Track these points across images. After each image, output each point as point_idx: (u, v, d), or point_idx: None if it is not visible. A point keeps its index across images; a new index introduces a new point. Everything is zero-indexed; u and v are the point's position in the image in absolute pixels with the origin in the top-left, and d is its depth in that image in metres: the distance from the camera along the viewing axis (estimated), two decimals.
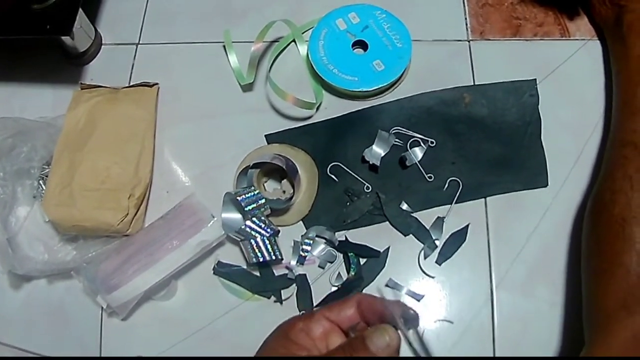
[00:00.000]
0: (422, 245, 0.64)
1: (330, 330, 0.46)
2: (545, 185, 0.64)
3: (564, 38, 0.70)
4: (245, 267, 0.66)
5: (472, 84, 0.68)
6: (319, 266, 0.65)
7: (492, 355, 0.62)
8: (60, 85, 0.77)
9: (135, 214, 0.67)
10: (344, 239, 0.65)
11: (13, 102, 0.77)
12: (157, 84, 0.72)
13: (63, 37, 0.74)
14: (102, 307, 0.70)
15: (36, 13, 0.70)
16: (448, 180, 0.64)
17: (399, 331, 0.44)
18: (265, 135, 0.68)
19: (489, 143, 0.64)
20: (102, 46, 0.79)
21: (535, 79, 0.67)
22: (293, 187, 0.64)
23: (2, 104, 0.78)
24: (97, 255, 0.69)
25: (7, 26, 0.71)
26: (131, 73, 0.76)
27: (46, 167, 0.72)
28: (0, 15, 0.71)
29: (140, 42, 0.78)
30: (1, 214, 0.72)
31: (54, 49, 0.78)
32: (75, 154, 0.69)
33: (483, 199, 0.65)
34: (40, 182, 0.73)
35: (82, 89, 0.74)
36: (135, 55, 0.77)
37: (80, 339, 0.72)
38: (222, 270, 0.66)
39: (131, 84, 0.74)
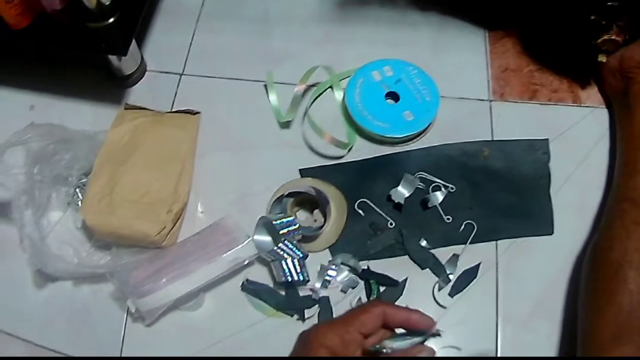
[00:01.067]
0: (437, 278, 0.70)
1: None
2: (551, 233, 0.71)
3: (575, 104, 0.79)
4: (272, 286, 0.71)
5: (491, 139, 0.75)
6: (341, 290, 0.70)
7: None
8: (101, 104, 0.81)
9: (172, 229, 0.72)
10: (366, 267, 0.70)
11: (52, 113, 0.81)
12: (199, 112, 0.77)
13: (111, 58, 0.78)
14: (127, 312, 0.74)
15: (91, 31, 0.75)
16: (464, 223, 0.71)
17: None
18: (300, 170, 0.74)
19: (502, 192, 0.71)
20: (146, 72, 0.83)
21: (547, 139, 0.74)
22: (324, 216, 0.70)
23: (41, 113, 0.81)
24: (130, 262, 0.72)
25: (62, 40, 0.75)
26: (173, 101, 0.81)
27: (84, 177, 0.76)
28: (57, 28, 0.75)
29: (184, 72, 0.83)
30: (35, 215, 0.75)
31: (98, 69, 0.83)
32: (117, 167, 0.73)
33: (495, 242, 0.71)
34: (77, 190, 0.77)
35: (126, 108, 0.78)
36: (178, 85, 0.82)
37: (101, 341, 0.74)
38: (250, 287, 0.71)
39: (174, 110, 0.79)
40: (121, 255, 0.73)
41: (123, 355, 0.74)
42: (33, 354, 0.76)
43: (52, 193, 0.77)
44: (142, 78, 0.83)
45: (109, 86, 0.82)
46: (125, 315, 0.74)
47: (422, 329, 0.55)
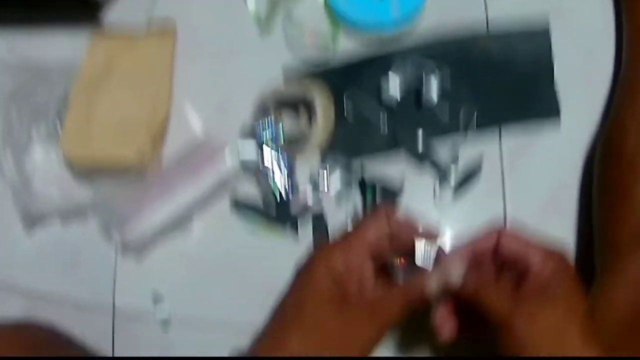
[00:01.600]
0: (437, 175, 0.65)
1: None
2: (558, 114, 0.65)
3: None
4: (261, 201, 0.67)
5: (487, 29, 0.68)
6: (335, 199, 0.66)
7: None
8: (78, 31, 0.77)
9: (153, 152, 0.68)
10: (360, 169, 0.65)
11: (29, 45, 0.78)
12: (174, 26, 0.73)
13: None
14: (116, 247, 0.71)
15: None
16: (462, 111, 0.65)
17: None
18: (283, 69, 0.68)
19: (502, 75, 0.65)
20: None
21: (548, 29, 0.66)
22: (310, 119, 0.65)
23: (18, 48, 0.78)
24: (113, 192, 0.69)
25: None
26: (150, 17, 0.76)
27: (63, 108, 0.72)
28: None
29: None
30: (17, 155, 0.72)
31: None
32: (93, 94, 0.70)
33: (497, 133, 0.65)
34: (57, 122, 0.73)
35: (98, 34, 0.75)
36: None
37: (94, 280, 0.72)
38: (239, 206, 0.67)
39: (149, 25, 0.75)
40: (104, 186, 0.70)
41: (116, 289, 0.71)
42: (30, 304, 0.74)
43: (33, 129, 0.74)
44: None
45: (84, 11, 0.78)
46: (115, 251, 0.72)
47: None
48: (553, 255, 0.45)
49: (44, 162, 0.75)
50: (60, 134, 0.71)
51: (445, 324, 0.48)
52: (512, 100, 0.65)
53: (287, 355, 0.44)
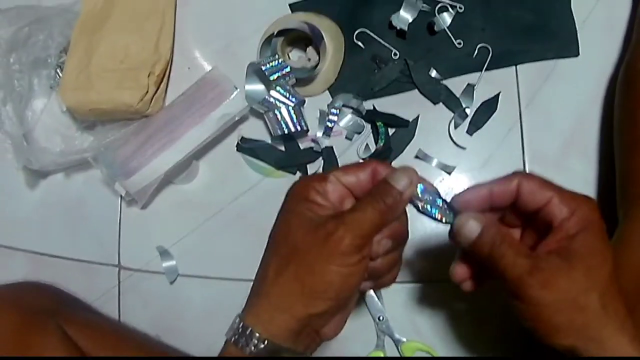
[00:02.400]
0: (452, 114, 0.62)
1: (345, 196, 0.41)
2: (577, 54, 0.62)
3: None
4: (269, 141, 0.64)
5: None
6: (346, 137, 0.63)
7: None
8: None
9: (155, 93, 0.65)
10: (371, 108, 0.63)
11: None
12: None
13: None
14: (120, 197, 0.68)
15: None
16: (478, 47, 0.62)
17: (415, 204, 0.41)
18: (290, 4, 0.66)
19: (518, 10, 0.63)
20: None
21: None
22: (318, 54, 0.62)
23: None
24: (115, 139, 0.67)
25: None
26: None
27: (63, 54, 0.70)
28: None
29: None
30: (17, 107, 0.70)
31: None
32: (93, 37, 0.67)
33: (514, 68, 0.63)
34: (58, 70, 0.71)
35: None
36: None
37: (98, 234, 0.70)
38: (246, 146, 0.64)
39: None
40: (106, 132, 0.68)
41: (121, 242, 0.69)
42: (35, 264, 0.72)
43: (34, 79, 0.71)
44: None
45: None
46: (119, 201, 0.69)
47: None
48: (580, 207, 0.39)
49: (46, 112, 0.73)
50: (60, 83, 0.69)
51: (463, 279, 0.44)
52: (529, 39, 0.63)
53: (284, 292, 0.40)
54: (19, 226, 0.73)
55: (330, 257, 0.37)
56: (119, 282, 0.69)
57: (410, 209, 0.41)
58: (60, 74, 0.71)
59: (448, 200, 0.41)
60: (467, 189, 0.41)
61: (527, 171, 0.61)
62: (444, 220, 0.41)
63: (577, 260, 0.38)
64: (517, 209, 0.41)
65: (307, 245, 0.38)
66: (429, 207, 0.41)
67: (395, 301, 0.62)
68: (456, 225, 0.40)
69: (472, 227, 0.40)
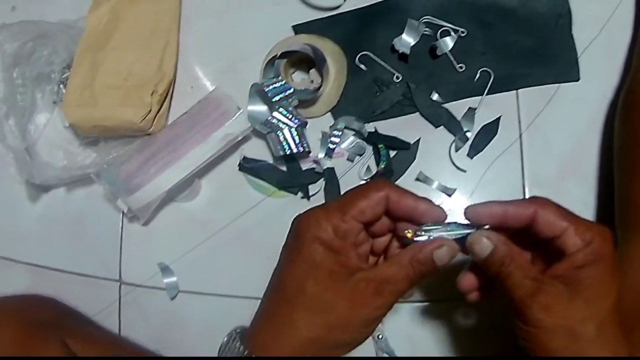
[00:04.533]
0: (453, 137, 0.62)
1: (360, 231, 0.41)
2: (577, 79, 0.63)
3: None
4: (271, 162, 0.65)
5: None
6: (347, 159, 0.64)
7: None
8: None
9: (159, 111, 0.66)
10: (373, 130, 0.63)
11: (32, 9, 0.75)
12: None
13: None
14: (122, 213, 0.69)
15: None
16: (479, 71, 0.62)
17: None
18: (293, 26, 0.66)
19: (519, 34, 0.63)
20: None
21: None
22: (321, 76, 0.63)
23: (20, 9, 0.76)
24: (118, 156, 0.67)
25: None
26: None
27: (67, 70, 0.71)
28: None
29: None
30: (20, 122, 0.70)
31: None
32: (97, 54, 0.67)
33: (515, 92, 0.63)
34: (61, 86, 0.71)
35: None
36: None
37: (100, 249, 0.71)
38: (248, 166, 0.65)
39: None
40: (109, 149, 0.68)
41: (122, 257, 0.69)
42: (36, 276, 0.73)
43: (37, 94, 0.72)
44: None
45: None
46: (121, 217, 0.70)
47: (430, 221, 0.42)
48: (595, 239, 0.39)
49: (48, 127, 0.73)
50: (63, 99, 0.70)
51: (470, 289, 0.45)
52: (529, 63, 0.63)
53: (297, 340, 0.40)
54: (20, 239, 0.74)
55: (359, 311, 0.40)
56: (120, 297, 0.69)
57: None
58: (64, 90, 0.71)
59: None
60: (483, 203, 0.42)
61: (527, 194, 0.62)
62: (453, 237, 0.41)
63: (581, 289, 0.39)
64: (530, 233, 0.41)
65: (331, 299, 0.39)
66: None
67: (395, 319, 0.63)
68: (469, 242, 0.41)
69: (484, 245, 0.40)
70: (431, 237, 0.41)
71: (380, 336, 0.63)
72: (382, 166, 0.62)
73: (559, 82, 0.63)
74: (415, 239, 0.41)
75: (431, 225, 0.42)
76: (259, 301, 0.64)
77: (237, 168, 0.65)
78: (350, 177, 0.63)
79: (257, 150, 0.66)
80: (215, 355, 0.44)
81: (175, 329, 0.68)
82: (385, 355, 0.63)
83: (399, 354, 0.62)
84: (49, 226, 0.72)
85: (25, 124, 0.71)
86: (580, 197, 0.62)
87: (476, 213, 0.42)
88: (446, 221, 0.42)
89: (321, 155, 0.63)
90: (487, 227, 0.41)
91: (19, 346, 0.53)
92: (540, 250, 0.43)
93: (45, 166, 0.69)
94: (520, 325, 0.40)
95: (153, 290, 0.68)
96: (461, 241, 0.41)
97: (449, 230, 0.42)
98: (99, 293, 0.70)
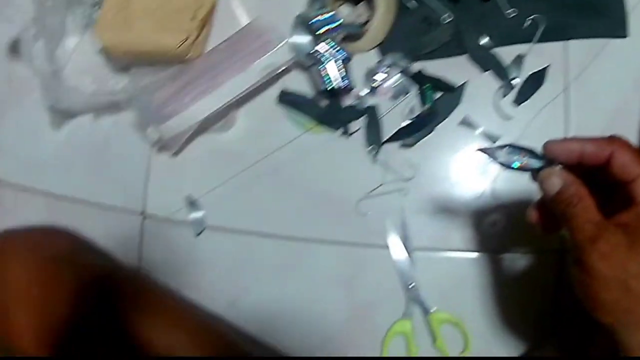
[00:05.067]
0: (500, 83, 0.61)
1: None
2: (624, 35, 0.62)
3: None
4: (312, 96, 0.63)
5: None
6: (391, 97, 0.62)
7: None
8: None
9: (197, 38, 0.64)
10: (419, 69, 0.62)
11: None
12: None
13: None
14: (151, 142, 0.67)
15: None
16: (529, 18, 0.61)
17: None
18: None
19: None
20: None
21: None
22: (370, 10, 0.61)
23: None
24: (151, 83, 0.65)
25: None
26: None
27: None
28: None
29: None
30: (48, 45, 0.68)
31: None
32: None
33: (563, 43, 0.62)
34: (94, 8, 0.69)
35: None
36: None
37: (124, 180, 0.69)
38: (287, 99, 0.63)
39: None
40: (142, 76, 0.66)
41: (148, 189, 0.67)
42: (54, 206, 0.70)
43: (67, 17, 0.69)
44: None
45: None
46: (150, 147, 0.67)
47: None
48: None
49: (78, 52, 0.71)
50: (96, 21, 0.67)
51: (537, 222, 0.44)
52: (580, 14, 0.62)
53: None
54: (39, 167, 0.72)
55: None
56: (142, 231, 0.67)
57: None
58: (97, 13, 0.69)
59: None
60: (562, 139, 0.41)
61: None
62: (525, 168, 0.42)
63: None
64: (604, 173, 0.40)
65: None
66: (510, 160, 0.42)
67: (427, 269, 0.62)
68: (540, 177, 0.41)
69: (553, 183, 0.40)
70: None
71: (411, 284, 0.61)
72: (427, 107, 0.61)
73: (607, 37, 0.62)
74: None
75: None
76: (286, 240, 0.63)
77: (276, 101, 0.64)
78: (393, 116, 0.62)
79: (298, 83, 0.64)
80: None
81: (197, 266, 0.66)
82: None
83: (428, 304, 0.61)
84: (70, 155, 0.70)
85: (53, 48, 0.69)
86: None
87: (553, 148, 0.41)
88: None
89: (365, 91, 0.62)
90: (559, 166, 0.41)
91: (31, 283, 0.52)
92: (608, 195, 0.42)
93: (72, 91, 0.67)
94: (576, 272, 0.39)
95: (177, 225, 0.66)
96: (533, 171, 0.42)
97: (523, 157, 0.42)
98: (120, 226, 0.68)
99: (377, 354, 0.62)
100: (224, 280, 0.65)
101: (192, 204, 0.65)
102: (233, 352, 0.57)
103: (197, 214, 0.65)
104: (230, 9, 0.66)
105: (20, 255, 0.53)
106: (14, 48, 0.73)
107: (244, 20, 0.65)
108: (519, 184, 0.60)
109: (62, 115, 0.70)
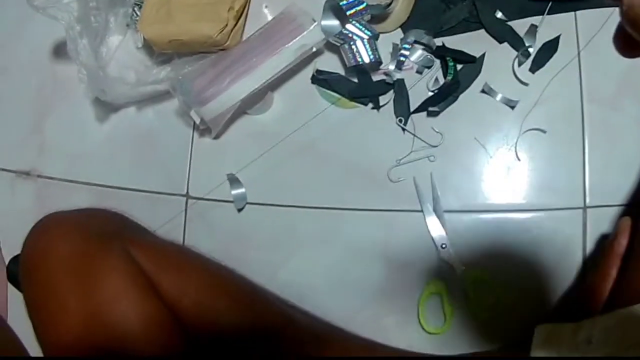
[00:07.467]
0: (516, 53, 0.66)
1: None
2: None
3: None
4: (343, 73, 0.68)
5: None
6: (416, 71, 0.67)
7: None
8: None
9: (235, 26, 0.69)
10: (441, 44, 0.66)
11: None
12: None
13: None
14: (193, 127, 0.71)
15: None
16: None
17: None
18: None
19: None
20: None
21: None
22: None
23: None
24: (192, 70, 0.70)
25: None
26: None
27: None
28: None
29: None
30: (93, 43, 0.73)
31: None
32: None
33: (573, 14, 0.67)
34: (135, 9, 0.74)
35: None
36: None
37: (168, 165, 0.73)
38: (321, 78, 0.68)
39: None
40: (183, 64, 0.71)
41: (191, 172, 0.71)
42: (95, 196, 0.75)
43: (110, 17, 0.75)
44: None
45: None
46: (192, 131, 0.72)
47: None
48: None
49: (120, 49, 0.76)
50: (137, 20, 0.73)
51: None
52: None
53: None
54: (84, 160, 0.76)
55: None
56: (186, 210, 0.71)
57: None
58: (138, 12, 0.74)
59: None
60: None
61: (585, 110, 0.66)
62: None
63: None
64: None
65: None
66: None
67: (459, 229, 0.65)
68: None
69: None
70: None
71: (444, 245, 0.65)
72: (450, 78, 0.65)
73: (613, 6, 0.66)
74: None
75: None
76: (323, 211, 0.66)
77: (310, 81, 0.68)
78: (419, 89, 0.67)
79: (330, 63, 0.69)
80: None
81: (241, 241, 0.70)
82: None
83: (459, 263, 0.64)
84: (114, 146, 0.75)
85: (97, 46, 0.74)
86: (634, 114, 0.65)
87: None
88: None
89: (392, 67, 0.66)
90: None
91: (81, 256, 0.53)
92: None
93: (117, 82, 0.71)
94: None
95: (219, 203, 0.70)
96: None
97: None
98: (165, 209, 0.72)
99: (414, 314, 0.65)
100: (266, 253, 0.69)
101: (233, 181, 0.70)
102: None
103: (238, 191, 0.69)
104: (263, 1, 0.72)
105: (67, 232, 0.55)
106: (59, 49, 0.78)
107: (277, 8, 0.70)
108: (542, 145, 0.64)
109: (107, 108, 0.75)
